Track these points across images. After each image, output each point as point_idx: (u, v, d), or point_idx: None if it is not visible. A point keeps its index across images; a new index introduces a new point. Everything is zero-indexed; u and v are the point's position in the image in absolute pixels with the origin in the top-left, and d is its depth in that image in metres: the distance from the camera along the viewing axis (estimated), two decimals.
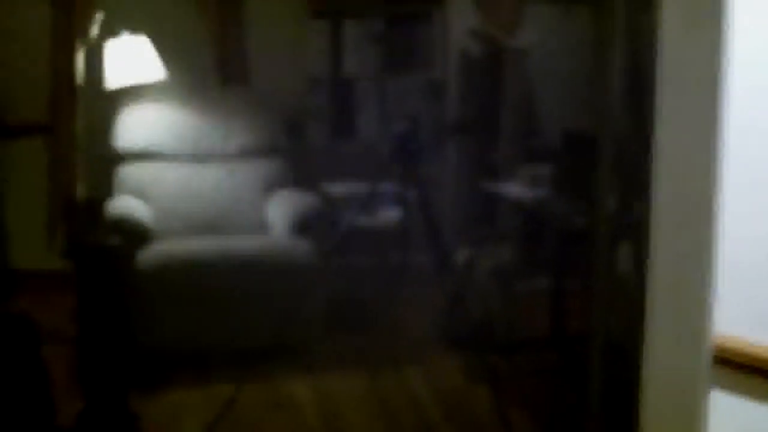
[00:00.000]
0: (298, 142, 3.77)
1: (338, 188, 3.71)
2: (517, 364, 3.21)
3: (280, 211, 3.56)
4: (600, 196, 2.14)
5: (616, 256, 2.14)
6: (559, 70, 3.16)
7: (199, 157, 3.65)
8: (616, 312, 2.14)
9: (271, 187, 3.66)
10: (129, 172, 3.56)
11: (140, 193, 3.51)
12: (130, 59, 3.37)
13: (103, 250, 3.00)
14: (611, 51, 2.07)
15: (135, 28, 3.37)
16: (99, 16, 3.19)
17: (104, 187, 3.45)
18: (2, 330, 2.54)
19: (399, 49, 3.72)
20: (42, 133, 3.48)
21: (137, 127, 3.59)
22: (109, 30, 3.29)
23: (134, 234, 3.26)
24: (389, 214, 3.67)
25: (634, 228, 2.03)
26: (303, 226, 3.43)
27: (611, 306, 2.15)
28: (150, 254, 3.26)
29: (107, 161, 3.52)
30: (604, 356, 2.17)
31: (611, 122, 2.10)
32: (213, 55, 3.75)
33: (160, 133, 3.62)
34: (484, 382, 3.12)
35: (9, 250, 2.59)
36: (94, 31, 3.18)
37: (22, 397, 2.59)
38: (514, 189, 3.34)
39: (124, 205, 3.42)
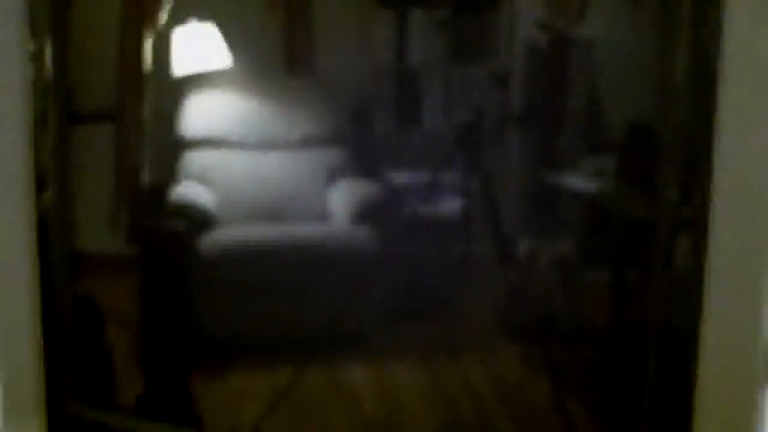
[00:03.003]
0: (361, 131, 3.78)
1: (400, 177, 3.71)
2: (576, 356, 3.18)
3: (342, 199, 3.57)
4: (662, 188, 2.12)
5: (677, 249, 2.12)
6: (623, 60, 3.12)
7: (263, 144, 3.68)
8: (675, 305, 2.11)
9: (333, 175, 3.67)
10: (194, 159, 3.60)
11: (204, 180, 3.55)
12: (197, 47, 3.41)
13: (167, 234, 3.05)
14: (676, 42, 2.04)
15: (202, 16, 3.41)
16: (167, 4, 3.24)
17: (169, 172, 3.50)
18: (69, 311, 2.58)
19: (464, 38, 3.70)
20: (109, 119, 3.54)
21: (203, 114, 3.63)
22: (177, 17, 3.33)
23: (197, 219, 3.30)
24: (451, 204, 3.66)
25: (695, 221, 2.01)
26: (364, 214, 3.44)
27: (670, 299, 2.13)
28: (212, 240, 3.30)
29: (172, 147, 3.56)
30: (662, 349, 2.15)
31: (674, 114, 2.07)
32: (279, 43, 3.77)
33: (225, 120, 3.65)
34: (544, 372, 3.10)
35: (75, 233, 2.64)
36: (163, 18, 3.23)
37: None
38: (577, 180, 3.31)
39: (188, 190, 3.47)
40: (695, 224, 1.99)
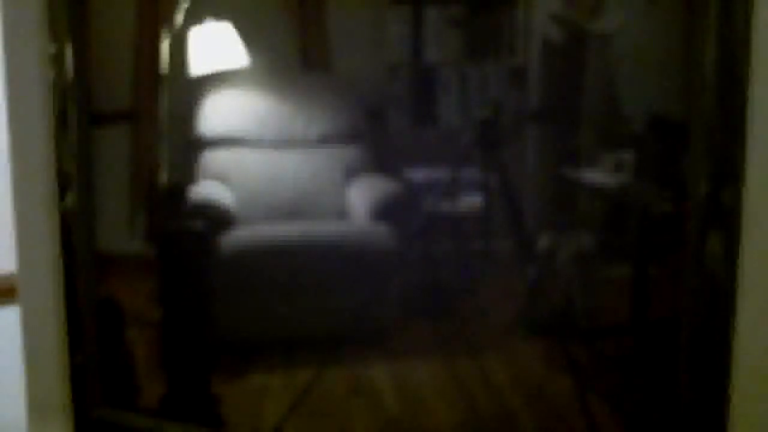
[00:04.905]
0: (379, 129, 3.77)
1: (419, 174, 3.69)
2: (598, 352, 3.16)
3: (361, 196, 3.56)
4: (691, 181, 2.09)
5: (706, 244, 2.10)
6: (644, 53, 3.09)
7: (281, 143, 3.67)
8: (706, 300, 2.09)
9: (351, 173, 3.66)
10: (212, 158, 3.60)
11: (223, 179, 3.55)
12: (213, 46, 3.40)
13: (186, 234, 3.05)
14: (703, 31, 2.02)
15: (218, 15, 3.40)
16: (184, 4, 3.23)
17: (187, 172, 3.49)
18: (92, 313, 2.58)
19: (480, 34, 3.68)
20: (127, 120, 3.54)
21: (220, 113, 3.62)
22: (194, 17, 3.32)
23: (217, 219, 3.30)
24: (470, 201, 3.64)
25: (725, 215, 1.99)
26: (383, 212, 3.43)
27: (700, 294, 2.11)
28: (232, 239, 3.29)
29: (190, 147, 3.56)
30: (693, 345, 2.13)
31: (703, 105, 2.05)
32: (295, 41, 3.76)
33: (243, 119, 3.65)
34: (565, 369, 3.09)
35: (95, 233, 2.63)
36: (179, 18, 3.22)
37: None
38: (597, 175, 3.29)
39: (206, 190, 3.46)
40: (726, 218, 1.97)
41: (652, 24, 3.09)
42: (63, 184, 2.42)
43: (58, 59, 2.42)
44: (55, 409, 2.34)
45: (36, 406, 2.32)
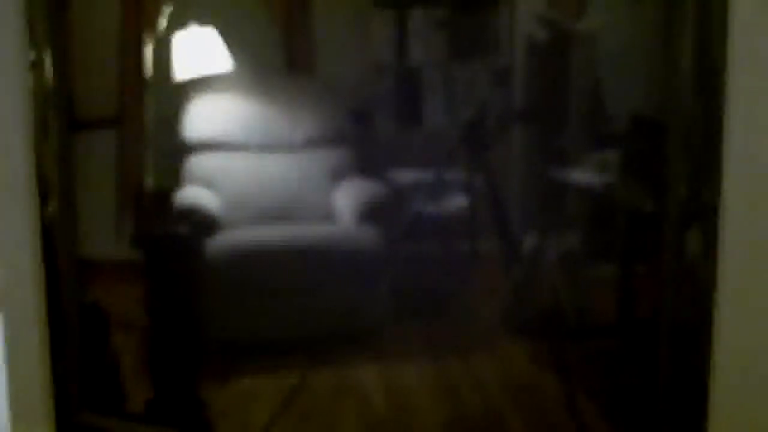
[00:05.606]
0: (364, 131, 3.77)
1: (405, 176, 3.70)
2: (585, 351, 3.17)
3: (347, 199, 3.57)
4: (670, 180, 2.10)
5: (686, 242, 2.10)
6: (627, 53, 3.10)
7: (266, 146, 3.67)
8: (686, 298, 2.10)
9: (337, 175, 3.67)
10: (197, 163, 3.60)
11: (208, 183, 3.55)
12: (197, 51, 3.40)
13: (172, 239, 3.05)
14: (681, 33, 2.03)
15: (202, 20, 3.40)
16: (167, 9, 3.23)
17: (173, 177, 3.49)
18: (75, 319, 2.58)
19: (464, 35, 3.69)
20: (111, 125, 3.54)
21: (205, 117, 3.63)
22: (178, 22, 3.32)
23: (203, 223, 3.30)
24: (456, 202, 3.65)
25: (705, 213, 2.00)
26: (370, 214, 3.44)
27: (680, 292, 2.12)
28: (218, 243, 3.30)
29: (175, 152, 3.56)
30: (674, 342, 2.14)
31: (681, 106, 2.06)
32: (279, 45, 3.77)
33: (228, 123, 3.65)
34: (552, 369, 3.09)
35: (79, 240, 2.64)
36: (163, 23, 3.23)
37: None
38: (582, 175, 3.30)
39: (192, 194, 3.47)
40: (706, 216, 1.98)
41: (636, 23, 3.10)
42: (44, 190, 2.42)
43: (37, 65, 2.42)
44: (38, 415, 2.34)
45: (19, 412, 2.32)
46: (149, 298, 2.97)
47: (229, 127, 3.65)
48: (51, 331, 2.43)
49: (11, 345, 2.35)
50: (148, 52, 3.26)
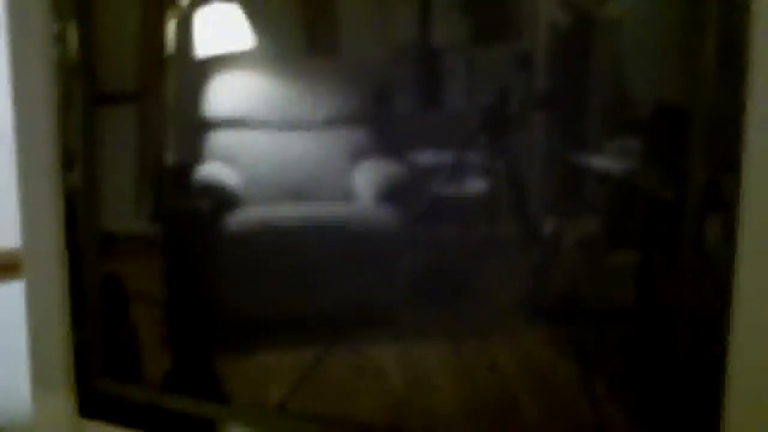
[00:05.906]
0: (385, 112, 3.77)
1: (425, 157, 3.70)
2: (602, 337, 3.17)
3: (366, 179, 3.57)
4: (690, 167, 2.10)
5: (706, 229, 2.10)
6: (650, 39, 3.09)
7: (287, 124, 3.68)
8: (705, 285, 2.10)
9: (357, 155, 3.67)
10: (218, 139, 3.61)
11: (229, 160, 3.56)
12: (220, 27, 3.41)
13: (191, 214, 3.06)
14: (705, 19, 2.02)
15: None
16: None
17: (193, 153, 3.50)
18: (96, 289, 2.60)
19: (487, 19, 3.68)
20: (133, 100, 3.55)
21: (226, 94, 3.63)
22: None
23: (222, 199, 3.32)
24: (475, 184, 3.65)
25: (725, 201, 2.00)
26: (388, 194, 3.44)
27: (699, 279, 2.12)
28: (237, 220, 3.31)
29: (197, 128, 3.57)
30: (692, 330, 2.14)
31: (705, 93, 2.06)
32: (302, 23, 3.76)
33: (249, 100, 3.65)
34: (569, 353, 3.09)
35: (101, 213, 2.66)
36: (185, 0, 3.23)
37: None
38: (602, 161, 3.29)
39: (212, 171, 3.47)
40: (726, 204, 1.98)
41: (658, 9, 3.08)
42: (68, 161, 2.44)
43: (62, 38, 2.44)
44: (58, 383, 2.37)
45: (40, 380, 2.35)
46: (167, 272, 2.98)
47: (251, 105, 3.65)
48: (72, 300, 2.45)
49: (33, 314, 2.37)
50: (171, 27, 3.26)
